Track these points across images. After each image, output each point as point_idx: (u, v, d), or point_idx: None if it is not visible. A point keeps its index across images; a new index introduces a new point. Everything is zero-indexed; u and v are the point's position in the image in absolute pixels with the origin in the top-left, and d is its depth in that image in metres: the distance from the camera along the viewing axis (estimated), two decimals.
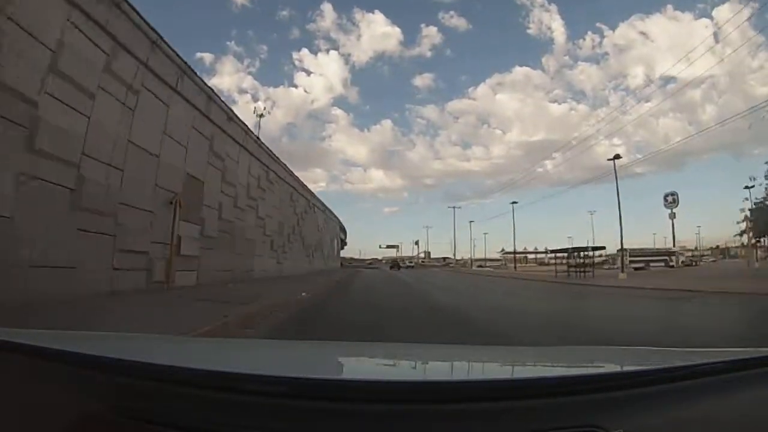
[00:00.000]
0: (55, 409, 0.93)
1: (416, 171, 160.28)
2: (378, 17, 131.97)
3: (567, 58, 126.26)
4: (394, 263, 76.99)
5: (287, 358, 1.51)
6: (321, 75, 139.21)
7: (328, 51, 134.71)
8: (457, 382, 1.10)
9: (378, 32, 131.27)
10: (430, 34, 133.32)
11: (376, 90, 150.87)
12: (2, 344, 1.08)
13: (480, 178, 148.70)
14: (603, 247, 37.29)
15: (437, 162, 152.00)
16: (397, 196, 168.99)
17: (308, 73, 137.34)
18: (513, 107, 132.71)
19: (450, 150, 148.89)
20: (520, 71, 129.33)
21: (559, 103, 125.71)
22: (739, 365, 1.08)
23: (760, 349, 1.15)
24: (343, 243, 76.79)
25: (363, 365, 1.49)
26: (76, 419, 0.89)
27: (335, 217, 55.98)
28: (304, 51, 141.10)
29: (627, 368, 1.26)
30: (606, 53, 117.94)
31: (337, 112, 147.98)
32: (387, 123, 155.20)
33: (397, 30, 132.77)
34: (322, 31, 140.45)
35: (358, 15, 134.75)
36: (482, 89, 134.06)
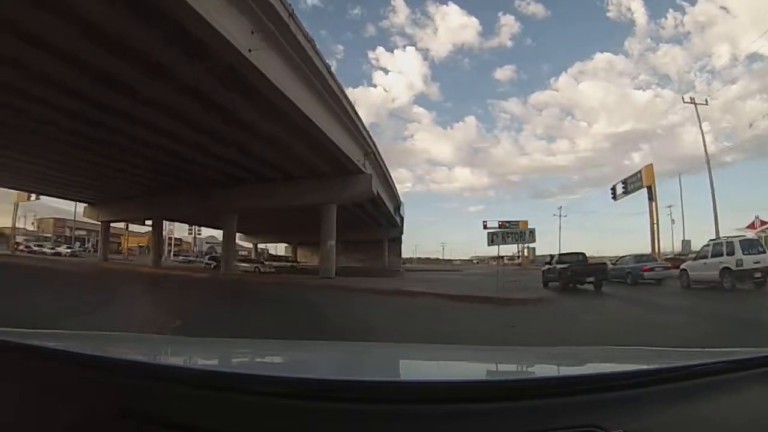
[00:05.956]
0: (55, 409, 0.93)
1: (501, 168, 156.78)
2: (452, 8, 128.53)
3: (649, 40, 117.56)
4: (582, 267, 17.27)
5: (288, 358, 1.54)
6: (400, 72, 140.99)
7: (404, 47, 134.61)
8: (457, 382, 1.05)
9: (454, 24, 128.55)
10: (508, 23, 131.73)
11: (458, 85, 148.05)
12: (2, 344, 1.08)
13: (567, 173, 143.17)
14: None
15: (522, 158, 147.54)
16: (482, 195, 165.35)
17: (386, 71, 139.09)
18: (597, 97, 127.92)
19: (535, 144, 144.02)
20: (601, 57, 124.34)
21: (644, 90, 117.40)
22: (739, 365, 1.10)
23: (760, 349, 1.17)
24: (392, 219, 42.07)
25: (363, 365, 1.45)
26: (77, 419, 0.89)
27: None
28: (380, 49, 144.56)
29: (627, 368, 1.24)
30: (688, 32, 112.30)
31: (419, 110, 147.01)
32: (470, 119, 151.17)
33: (474, 20, 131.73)
34: (397, 27, 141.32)
35: (431, 8, 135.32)
36: (564, 79, 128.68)
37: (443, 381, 1.11)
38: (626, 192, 38.71)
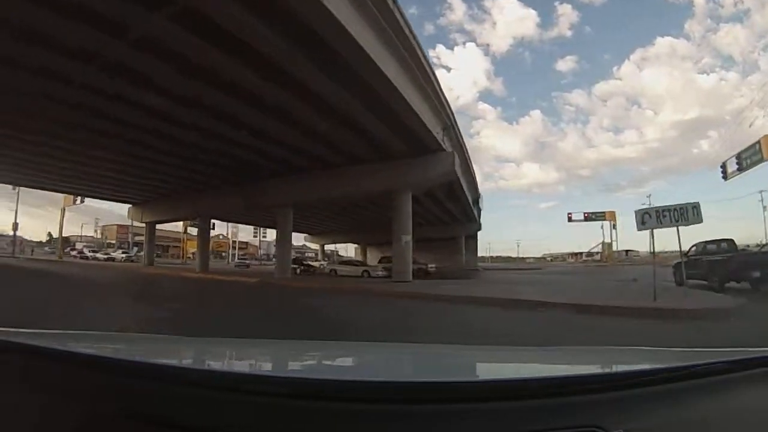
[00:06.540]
0: (57, 410, 0.92)
1: (569, 162, 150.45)
2: (508, 1, 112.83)
3: (709, 21, 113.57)
4: (747, 258, 13.71)
5: (288, 358, 1.54)
6: (461, 69, 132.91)
7: (464, 44, 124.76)
8: (457, 382, 1.06)
9: (512, 17, 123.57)
10: (566, 12, 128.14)
11: (521, 79, 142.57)
12: (2, 344, 1.08)
13: (635, 165, 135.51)
14: None
15: (590, 151, 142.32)
16: (552, 190, 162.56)
17: (448, 69, 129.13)
18: (662, 83, 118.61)
19: (602, 136, 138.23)
20: (663, 42, 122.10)
21: (708, 74, 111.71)
22: (739, 365, 1.09)
23: (760, 349, 1.16)
24: (470, 213, 38.69)
25: (363, 365, 1.44)
26: (78, 420, 0.89)
27: None
28: (440, 47, 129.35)
29: (627, 368, 1.26)
30: (748, 9, 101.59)
31: (484, 106, 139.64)
32: (536, 113, 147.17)
33: (531, 12, 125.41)
34: (455, 24, 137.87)
35: (487, 2, 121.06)
36: (627, 67, 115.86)
37: (444, 381, 1.09)
38: (741, 169, 32.45)
